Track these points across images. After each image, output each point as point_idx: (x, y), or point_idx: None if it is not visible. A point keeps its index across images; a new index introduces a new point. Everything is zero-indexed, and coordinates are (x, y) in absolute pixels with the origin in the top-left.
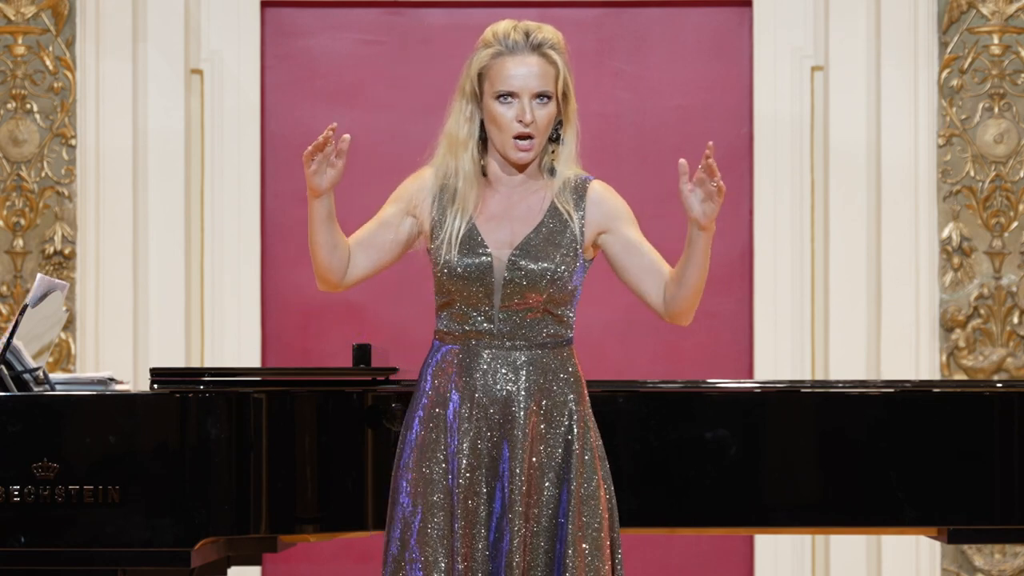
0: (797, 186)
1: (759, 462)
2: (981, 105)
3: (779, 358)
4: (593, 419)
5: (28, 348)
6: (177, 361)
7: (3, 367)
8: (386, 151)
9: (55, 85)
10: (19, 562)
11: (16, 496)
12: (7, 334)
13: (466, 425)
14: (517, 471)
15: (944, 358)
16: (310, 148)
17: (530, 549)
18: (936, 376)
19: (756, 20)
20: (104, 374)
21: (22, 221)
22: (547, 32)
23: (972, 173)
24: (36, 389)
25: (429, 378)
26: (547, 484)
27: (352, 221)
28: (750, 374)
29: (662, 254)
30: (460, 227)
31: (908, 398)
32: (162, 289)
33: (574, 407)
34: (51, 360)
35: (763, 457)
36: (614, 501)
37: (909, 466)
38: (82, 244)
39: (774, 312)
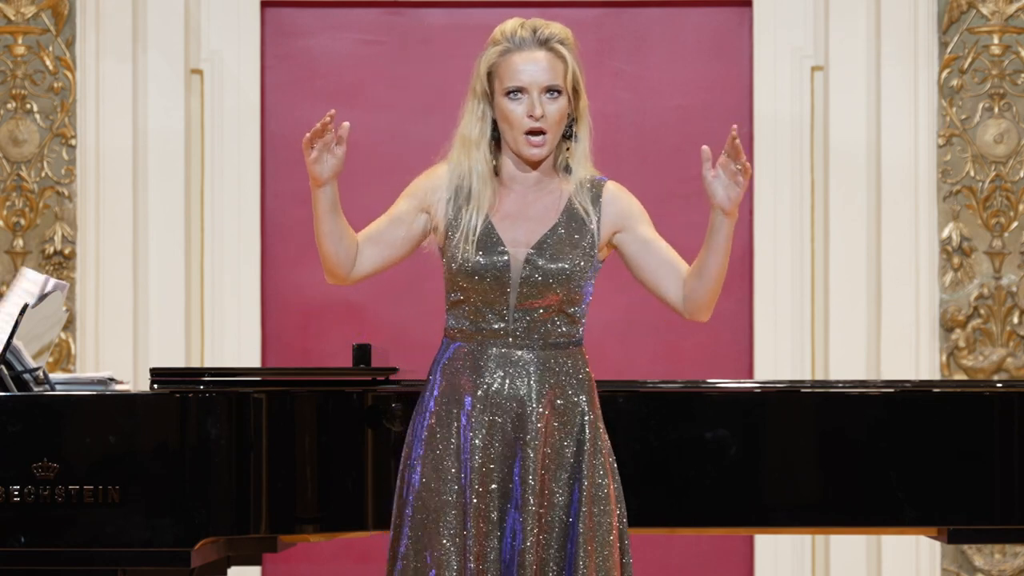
0: (797, 186)
1: (759, 462)
2: (981, 105)
3: (779, 358)
4: (602, 421)
5: (28, 348)
6: (177, 361)
7: (3, 367)
8: (386, 151)
9: (55, 85)
10: (19, 562)
11: (16, 496)
12: (7, 334)
13: (478, 424)
14: (530, 471)
15: (944, 358)
16: (309, 135)
17: (542, 549)
18: (936, 376)
19: (756, 20)
20: (104, 374)
21: (22, 221)
22: (555, 28)
23: (972, 173)
24: (36, 389)
25: (439, 376)
26: (559, 484)
27: (352, 220)
28: (750, 374)
29: None
30: (477, 225)
31: (908, 398)
32: (162, 289)
33: (586, 408)
34: (51, 360)
35: (763, 457)
36: (624, 502)
37: (909, 466)
38: (82, 244)
39: (774, 312)
